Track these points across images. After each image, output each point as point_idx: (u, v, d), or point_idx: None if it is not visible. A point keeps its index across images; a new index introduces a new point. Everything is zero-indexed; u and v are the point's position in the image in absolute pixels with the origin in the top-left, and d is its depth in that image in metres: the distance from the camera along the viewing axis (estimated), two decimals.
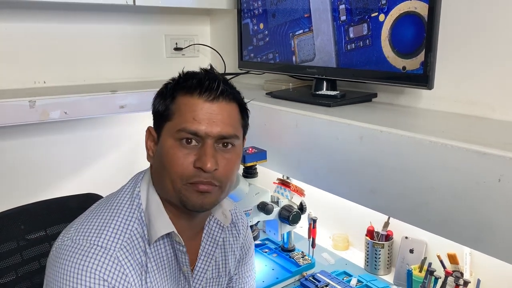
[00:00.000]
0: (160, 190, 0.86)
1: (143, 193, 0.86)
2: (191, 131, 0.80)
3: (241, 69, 1.65)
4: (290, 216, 1.29)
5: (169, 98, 0.84)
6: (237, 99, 0.88)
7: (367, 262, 1.41)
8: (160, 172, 0.84)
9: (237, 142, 0.86)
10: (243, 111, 0.90)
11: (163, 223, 0.83)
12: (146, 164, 0.92)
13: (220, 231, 0.96)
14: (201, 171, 0.80)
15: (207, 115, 0.81)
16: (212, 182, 0.82)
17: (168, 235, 0.85)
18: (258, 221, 1.27)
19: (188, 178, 0.81)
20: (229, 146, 0.85)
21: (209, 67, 0.88)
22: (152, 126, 0.88)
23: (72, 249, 0.77)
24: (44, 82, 1.64)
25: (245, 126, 0.91)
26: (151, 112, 0.89)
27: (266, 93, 1.42)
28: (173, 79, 0.87)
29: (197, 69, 0.88)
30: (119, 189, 0.89)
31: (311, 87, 1.34)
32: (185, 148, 0.81)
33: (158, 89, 0.89)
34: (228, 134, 0.83)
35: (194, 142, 0.81)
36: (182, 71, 0.87)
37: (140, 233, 0.83)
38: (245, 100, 0.91)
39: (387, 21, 1.08)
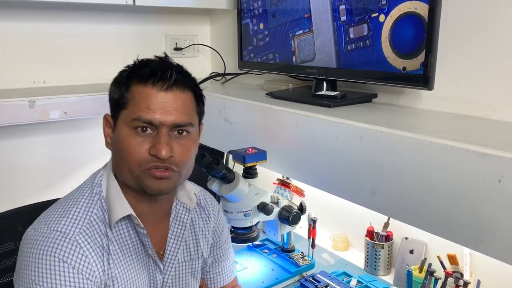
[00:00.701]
0: (119, 175, 0.89)
1: (104, 181, 0.90)
2: (146, 120, 0.83)
3: (241, 69, 1.65)
4: (290, 216, 1.29)
5: (123, 87, 0.87)
6: (192, 87, 0.90)
7: (367, 262, 1.40)
8: (118, 159, 0.88)
9: (192, 130, 0.89)
10: (198, 99, 0.92)
11: (122, 207, 0.87)
12: None
13: (187, 214, 0.99)
14: (156, 158, 0.83)
15: (161, 104, 0.84)
16: (169, 167, 0.85)
17: (129, 218, 0.88)
18: (258, 222, 1.27)
19: (145, 164, 0.84)
20: (184, 133, 0.88)
21: (163, 55, 0.90)
22: (110, 114, 0.91)
23: (34, 237, 0.81)
24: (44, 82, 1.64)
25: (200, 113, 0.94)
26: None
27: (266, 94, 1.42)
28: (128, 67, 0.89)
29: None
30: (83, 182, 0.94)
31: (311, 88, 1.34)
32: (140, 136, 0.84)
33: None
34: (183, 122, 0.86)
35: (149, 130, 0.84)
36: (137, 59, 0.89)
37: (101, 218, 0.86)
38: (205, 90, 0.94)
39: (388, 22, 1.08)
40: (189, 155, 0.89)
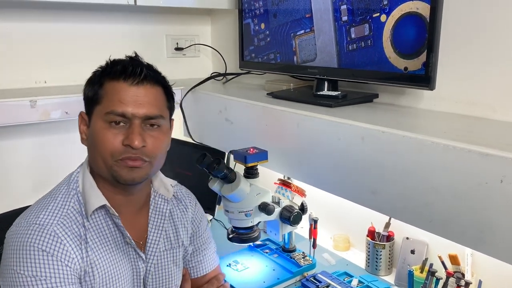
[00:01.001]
0: (94, 168, 0.95)
1: (80, 177, 0.96)
2: (119, 112, 0.89)
3: (242, 69, 1.65)
4: (291, 216, 1.29)
5: (97, 84, 0.93)
6: (162, 83, 0.97)
7: (368, 262, 1.40)
8: (93, 152, 0.94)
9: (163, 122, 0.96)
10: (168, 94, 1.00)
11: (97, 198, 0.93)
12: None
13: (166, 204, 1.06)
14: (129, 148, 0.89)
15: (133, 97, 0.90)
16: (141, 157, 0.91)
17: (106, 210, 0.94)
18: (259, 222, 1.27)
19: (118, 155, 0.89)
20: (156, 126, 0.94)
21: (133, 55, 0.97)
22: (84, 111, 0.97)
23: (16, 231, 0.87)
24: (45, 82, 1.64)
25: (171, 108, 1.01)
26: None
27: (267, 94, 1.42)
28: (101, 67, 0.96)
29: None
30: None
31: (312, 88, 1.34)
32: (114, 129, 0.90)
33: None
34: (154, 114, 0.92)
35: (122, 123, 0.90)
36: (109, 59, 0.96)
37: (78, 210, 0.92)
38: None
39: (389, 22, 1.08)
40: (160, 146, 0.95)
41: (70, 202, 0.92)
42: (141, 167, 0.92)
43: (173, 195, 1.09)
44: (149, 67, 0.96)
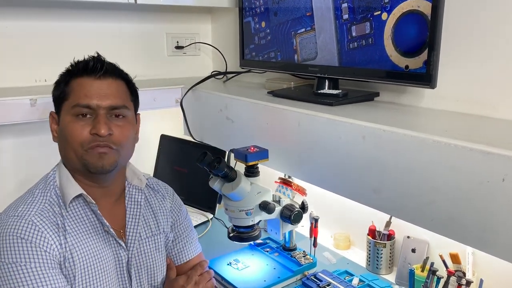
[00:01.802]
0: (67, 161, 1.01)
1: (57, 174, 1.02)
2: (84, 105, 0.96)
3: (242, 68, 1.65)
4: (291, 215, 1.29)
5: (63, 83, 1.01)
6: (124, 77, 1.05)
7: (369, 261, 1.40)
8: (64, 146, 0.99)
9: (128, 113, 1.03)
10: (131, 88, 1.07)
11: (73, 189, 0.98)
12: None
13: (140, 193, 1.11)
14: (97, 136, 0.95)
15: (97, 90, 0.98)
16: (109, 145, 0.97)
17: (83, 200, 0.99)
18: (260, 220, 1.27)
19: (87, 144, 0.95)
20: (121, 116, 1.01)
21: (96, 55, 1.03)
22: (54, 111, 1.03)
23: None
24: (45, 81, 1.64)
25: (134, 101, 1.08)
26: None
27: (268, 92, 1.41)
28: (66, 68, 1.04)
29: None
30: None
31: (313, 86, 1.34)
32: (82, 121, 0.96)
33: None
34: (118, 104, 0.99)
35: (88, 115, 0.97)
36: (73, 60, 1.03)
37: (56, 202, 0.97)
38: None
39: (390, 20, 1.08)
40: (127, 135, 1.01)
41: (48, 196, 0.97)
42: (109, 154, 0.97)
43: (150, 187, 1.15)
44: (111, 63, 1.03)
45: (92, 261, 0.97)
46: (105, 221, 1.00)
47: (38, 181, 1.02)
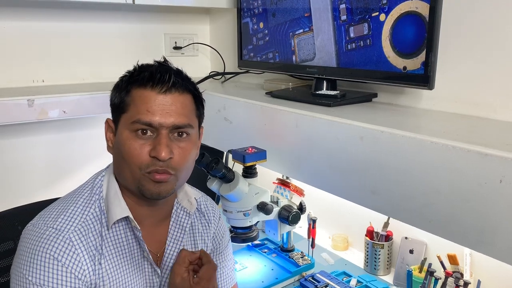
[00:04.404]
0: (120, 178, 0.90)
1: (105, 182, 0.92)
2: (145, 122, 0.85)
3: (240, 69, 1.65)
4: (289, 216, 1.29)
5: (123, 91, 0.89)
6: (191, 90, 0.91)
7: (367, 262, 1.40)
8: (119, 162, 0.89)
9: (192, 132, 0.90)
10: (197, 101, 0.94)
11: (120, 208, 0.88)
12: None
13: (187, 218, 1.00)
14: (156, 160, 0.84)
15: (161, 106, 0.86)
16: (167, 170, 0.86)
17: (127, 221, 0.90)
18: (258, 221, 1.27)
19: (146, 167, 0.85)
20: (184, 135, 0.89)
21: (162, 60, 0.92)
22: (111, 118, 0.93)
23: (32, 232, 0.84)
24: (43, 81, 1.63)
25: (200, 116, 0.96)
26: None
27: (266, 93, 1.41)
28: (128, 72, 0.91)
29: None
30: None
31: (311, 87, 1.34)
32: (141, 139, 0.85)
33: None
34: (182, 123, 0.87)
35: (149, 133, 0.86)
36: (137, 64, 0.91)
37: (98, 218, 0.88)
38: (201, 91, 0.95)
39: (388, 21, 1.08)
40: (188, 157, 0.90)
41: (91, 208, 0.88)
42: (168, 181, 0.87)
43: (197, 208, 1.04)
44: (178, 74, 0.90)
45: None
46: (146, 247, 0.91)
47: (83, 186, 0.93)
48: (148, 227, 0.93)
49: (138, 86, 0.87)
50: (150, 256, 0.92)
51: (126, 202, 0.90)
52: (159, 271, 0.94)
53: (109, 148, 0.93)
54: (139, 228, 0.89)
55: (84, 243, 0.85)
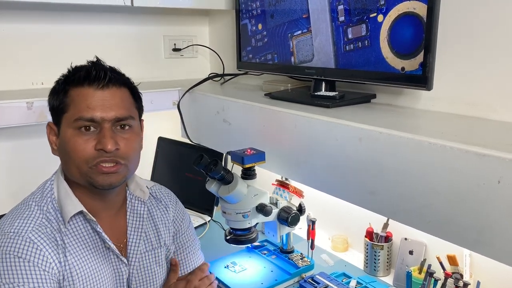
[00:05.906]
0: (69, 176, 0.94)
1: (55, 186, 0.96)
2: (88, 118, 0.89)
3: (239, 70, 1.65)
4: (289, 217, 1.28)
5: (61, 93, 0.93)
6: (127, 84, 0.98)
7: (367, 263, 1.40)
8: (66, 161, 0.93)
9: (134, 123, 0.96)
10: (135, 95, 1.00)
11: (72, 205, 0.92)
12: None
13: (142, 205, 1.06)
14: (103, 152, 0.89)
15: (100, 101, 0.90)
16: (116, 160, 0.91)
17: (83, 215, 0.94)
18: (257, 223, 1.27)
19: (92, 161, 0.89)
20: (127, 127, 0.94)
21: (95, 59, 0.97)
22: (52, 121, 0.97)
23: None
24: (42, 84, 1.63)
25: (139, 108, 1.02)
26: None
27: (265, 94, 1.41)
28: (63, 75, 0.96)
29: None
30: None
31: (310, 88, 1.34)
32: (85, 135, 0.90)
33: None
34: (123, 116, 0.93)
35: (92, 129, 0.90)
36: (71, 66, 0.96)
37: (54, 217, 0.92)
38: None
39: (386, 22, 1.08)
40: (134, 147, 0.95)
41: (45, 210, 0.92)
42: (118, 172, 0.92)
43: (152, 195, 1.10)
44: (113, 70, 0.96)
45: (92, 279, 0.93)
46: (106, 237, 0.95)
47: (34, 191, 0.97)
48: (106, 219, 0.98)
49: (76, 85, 0.91)
50: (113, 246, 0.96)
51: (78, 198, 0.93)
52: (125, 260, 0.99)
53: (54, 151, 0.97)
54: (95, 220, 0.93)
55: (45, 239, 0.88)
